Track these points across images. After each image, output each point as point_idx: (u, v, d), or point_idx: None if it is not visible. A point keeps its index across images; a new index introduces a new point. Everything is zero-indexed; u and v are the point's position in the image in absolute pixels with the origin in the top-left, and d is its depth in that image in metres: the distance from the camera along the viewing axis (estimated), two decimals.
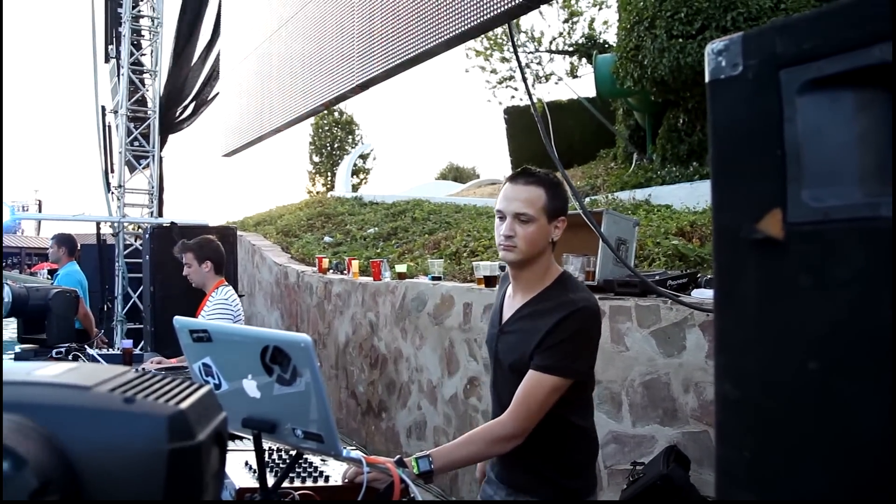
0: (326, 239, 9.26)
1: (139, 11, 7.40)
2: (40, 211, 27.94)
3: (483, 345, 4.06)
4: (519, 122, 14.37)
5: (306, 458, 1.71)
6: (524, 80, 1.72)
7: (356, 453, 1.29)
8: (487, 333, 1.93)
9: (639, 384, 2.99)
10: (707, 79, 0.73)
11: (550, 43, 14.54)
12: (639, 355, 3.00)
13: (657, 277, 3.15)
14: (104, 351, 4.17)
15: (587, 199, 7.67)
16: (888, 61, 0.54)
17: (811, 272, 0.64)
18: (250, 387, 1.15)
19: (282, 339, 1.08)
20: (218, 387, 1.20)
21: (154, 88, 7.40)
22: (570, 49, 14.28)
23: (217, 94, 6.83)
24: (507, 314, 1.82)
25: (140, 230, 7.15)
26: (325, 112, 24.15)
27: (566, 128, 13.49)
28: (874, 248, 0.57)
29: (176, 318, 1.23)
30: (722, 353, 0.74)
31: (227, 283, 3.82)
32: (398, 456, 1.62)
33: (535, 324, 1.70)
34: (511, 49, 13.71)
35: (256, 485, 1.33)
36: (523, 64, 14.12)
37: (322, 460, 1.72)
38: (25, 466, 0.49)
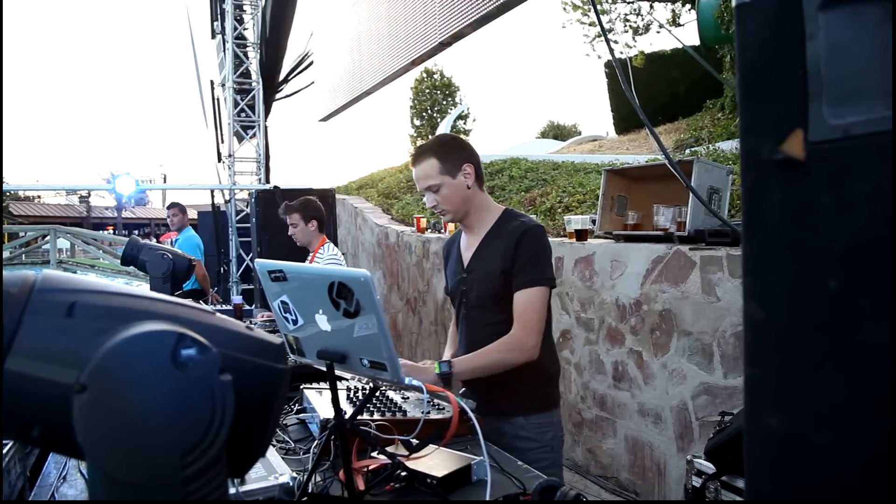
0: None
1: None
2: (165, 183, 30.12)
3: (574, 298, 4.07)
4: None
5: (387, 395, 1.82)
6: (601, 27, 1.71)
7: (417, 382, 1.37)
8: (450, 283, 2.05)
9: (730, 335, 2.92)
10: (734, 3, 0.73)
11: None
12: (730, 306, 2.93)
13: None
14: (218, 306, 4.51)
15: (687, 151, 7.38)
16: None
17: (831, 190, 0.64)
18: (322, 321, 1.25)
19: (344, 275, 1.17)
20: (295, 322, 1.32)
21: (257, 60, 7.73)
22: None
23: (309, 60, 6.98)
24: (466, 257, 1.98)
25: (249, 196, 7.57)
26: (425, 76, 24.25)
27: (670, 79, 12.92)
28: (892, 160, 0.57)
29: (256, 260, 1.35)
30: (748, 275, 0.75)
31: (328, 240, 4.00)
32: (464, 388, 1.71)
33: (494, 250, 1.86)
34: (602, 1, 13.22)
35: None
36: (621, 15, 13.57)
37: (403, 397, 1.83)
38: (210, 350, 0.65)
